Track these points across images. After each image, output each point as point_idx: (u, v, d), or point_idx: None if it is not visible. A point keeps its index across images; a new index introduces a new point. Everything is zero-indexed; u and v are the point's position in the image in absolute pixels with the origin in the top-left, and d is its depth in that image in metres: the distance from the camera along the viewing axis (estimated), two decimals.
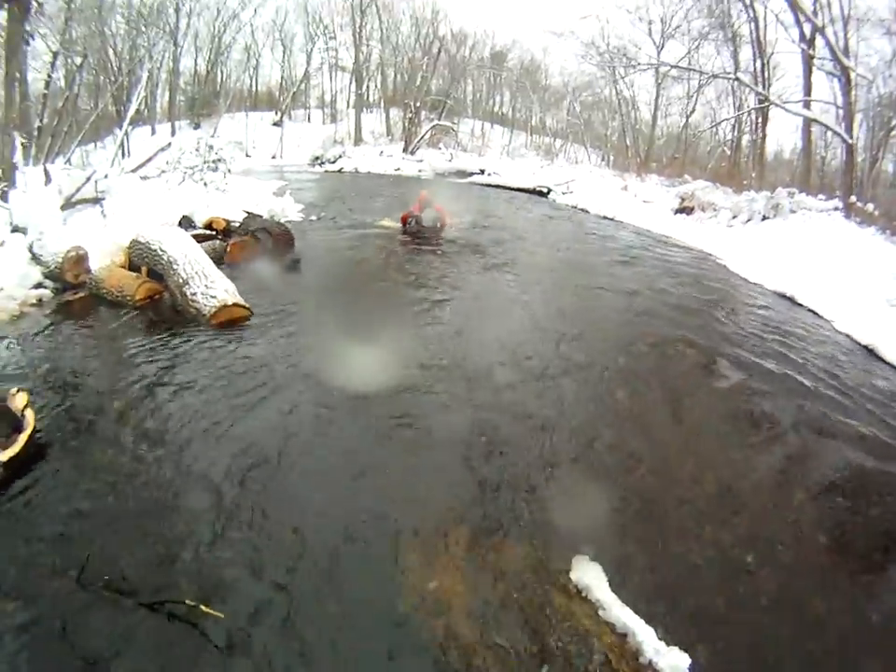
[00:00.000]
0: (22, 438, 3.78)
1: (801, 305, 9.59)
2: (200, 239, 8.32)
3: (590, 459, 4.42)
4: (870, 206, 15.45)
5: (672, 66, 28.05)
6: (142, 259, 7.28)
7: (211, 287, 6.45)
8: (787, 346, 7.23)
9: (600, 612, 2.99)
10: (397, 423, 4.56)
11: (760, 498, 4.19)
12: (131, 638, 2.64)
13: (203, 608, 2.74)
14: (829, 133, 21.42)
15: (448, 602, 2.96)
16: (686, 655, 2.77)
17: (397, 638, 2.76)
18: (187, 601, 2.76)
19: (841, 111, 18.43)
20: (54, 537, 3.18)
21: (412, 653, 2.71)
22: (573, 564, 3.26)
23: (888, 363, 7.30)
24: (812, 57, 19.38)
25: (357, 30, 35.95)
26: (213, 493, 3.57)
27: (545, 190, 22.52)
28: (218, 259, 8.12)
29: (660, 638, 2.84)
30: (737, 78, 22.97)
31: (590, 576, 3.17)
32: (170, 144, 15.49)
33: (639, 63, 28.16)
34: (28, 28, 11.15)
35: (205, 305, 6.27)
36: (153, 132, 31.70)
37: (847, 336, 8.20)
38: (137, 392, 4.70)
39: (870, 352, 7.64)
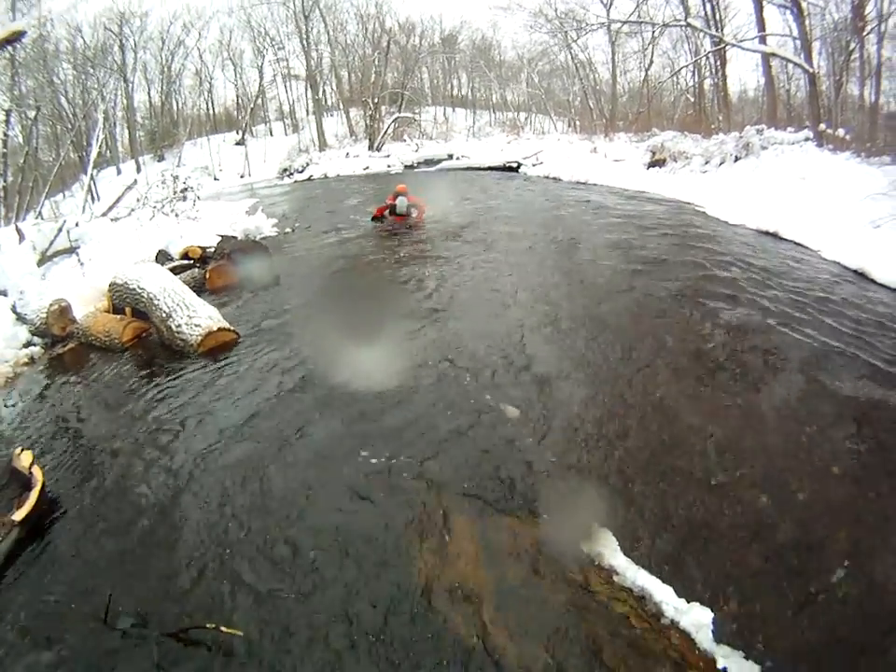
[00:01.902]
0: (34, 495, 3.81)
1: (786, 240, 9.59)
2: (178, 270, 8.34)
3: (589, 422, 4.41)
4: (841, 132, 15.42)
5: (623, 22, 27.83)
6: (123, 300, 7.27)
7: (194, 317, 6.44)
8: (778, 282, 7.22)
9: (615, 578, 3.00)
10: (395, 426, 4.55)
11: (767, 439, 4.17)
12: (163, 668, 2.70)
13: (223, 629, 2.80)
14: (790, 66, 21.37)
15: (462, 583, 2.98)
16: (708, 610, 2.76)
17: (416, 623, 2.80)
18: (207, 625, 2.82)
19: (798, 42, 18.40)
20: (76, 584, 3.23)
21: (431, 636, 2.74)
22: (583, 532, 3.27)
23: (880, 284, 7.30)
24: None
25: (304, 36, 35.73)
26: (219, 523, 3.59)
27: (515, 165, 22.52)
28: (199, 288, 8.13)
29: (679, 596, 2.85)
30: (689, 24, 22.89)
31: (601, 543, 3.18)
32: (136, 181, 15.49)
33: (590, 24, 28.04)
34: None
35: (191, 335, 6.27)
36: (118, 171, 31.66)
37: (837, 263, 8.21)
38: (137, 435, 4.70)
39: (861, 276, 7.64)
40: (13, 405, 5.68)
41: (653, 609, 2.83)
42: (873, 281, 7.42)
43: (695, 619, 2.73)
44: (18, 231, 10.37)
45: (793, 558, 3.15)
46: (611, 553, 3.10)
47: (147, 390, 5.52)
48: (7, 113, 20.56)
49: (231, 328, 6.50)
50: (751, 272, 7.64)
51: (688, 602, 2.82)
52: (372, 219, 12.27)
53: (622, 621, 2.78)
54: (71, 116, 29.46)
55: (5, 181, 18.86)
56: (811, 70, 17.41)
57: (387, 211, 11.97)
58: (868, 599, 2.93)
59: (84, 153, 26.96)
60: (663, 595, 2.85)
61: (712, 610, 2.77)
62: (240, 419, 4.76)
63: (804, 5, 17.45)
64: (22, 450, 4.35)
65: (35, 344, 7.14)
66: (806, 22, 17.70)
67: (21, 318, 7.38)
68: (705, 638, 2.68)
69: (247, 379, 5.47)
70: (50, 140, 28.81)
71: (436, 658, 2.65)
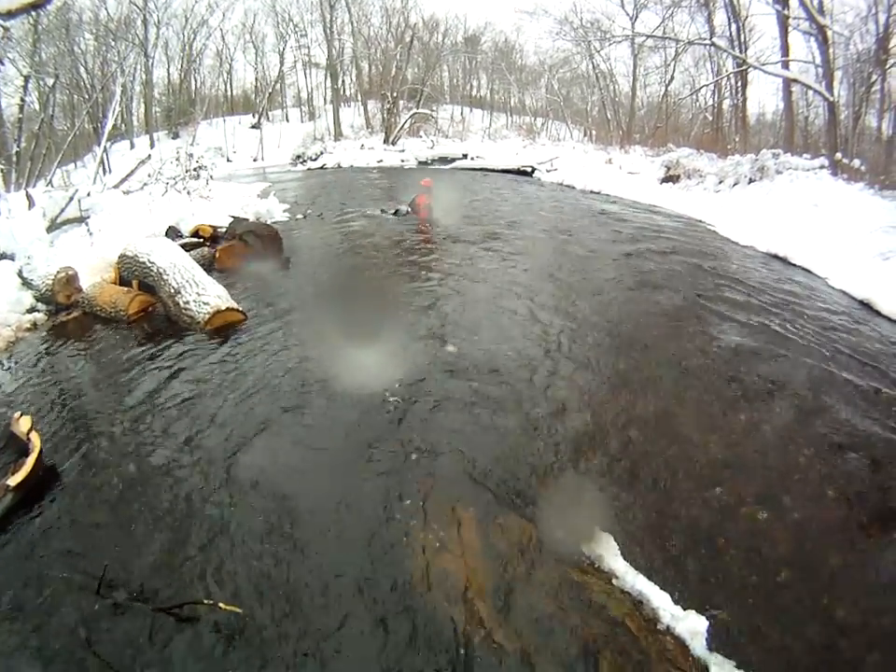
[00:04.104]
0: (30, 461, 3.79)
1: (794, 265, 9.60)
2: (188, 247, 8.32)
3: (593, 431, 4.43)
4: (856, 162, 15.39)
5: (647, 36, 27.94)
6: (132, 273, 7.26)
7: (203, 294, 6.44)
8: (784, 306, 7.24)
9: (614, 581, 3.01)
10: (397, 414, 4.56)
11: (767, 458, 4.21)
12: (156, 644, 2.68)
13: (221, 605, 2.78)
14: (810, 93, 21.33)
15: (462, 582, 2.98)
16: (704, 618, 2.78)
17: (414, 621, 2.78)
18: (205, 601, 2.81)
19: (820, 69, 18.41)
20: (69, 553, 3.21)
21: (429, 635, 2.72)
22: (584, 535, 3.28)
23: (884, 316, 7.31)
24: (787, 17, 19.32)
25: (328, 25, 35.68)
26: (217, 498, 3.60)
27: (529, 170, 22.51)
28: (208, 266, 8.12)
29: (676, 603, 2.86)
30: (713, 44, 22.88)
31: (601, 546, 3.19)
32: (150, 156, 15.47)
33: (614, 36, 28.06)
34: None
35: (199, 312, 6.27)
36: (132, 145, 31.53)
37: (843, 292, 8.23)
38: (138, 406, 4.71)
39: (866, 306, 7.66)
40: (13, 369, 5.66)
41: (650, 613, 2.84)
42: (878, 313, 7.45)
43: (691, 626, 2.75)
44: (28, 196, 10.37)
45: (788, 574, 3.18)
46: (612, 557, 3.12)
47: (150, 363, 5.52)
48: (26, 79, 20.54)
49: (239, 308, 6.50)
50: (759, 294, 7.66)
51: (684, 609, 2.83)
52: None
53: (619, 624, 2.80)
54: (89, 86, 29.35)
55: (18, 146, 18.81)
56: (831, 98, 17.43)
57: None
58: (858, 617, 2.96)
59: (99, 125, 26.83)
60: (660, 600, 2.87)
61: (707, 619, 2.78)
62: (242, 397, 4.78)
63: (829, 33, 17.46)
64: (21, 415, 4.31)
65: (38, 310, 7.10)
66: (830, 51, 17.71)
67: (26, 283, 7.35)
68: (699, 646, 2.70)
69: (252, 359, 5.49)
70: (66, 109, 28.74)
71: (434, 653, 2.65)
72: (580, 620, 2.82)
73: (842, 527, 3.62)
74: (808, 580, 3.17)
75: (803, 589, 3.11)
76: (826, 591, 3.11)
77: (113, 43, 30.91)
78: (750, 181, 15.60)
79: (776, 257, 10.06)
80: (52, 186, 15.58)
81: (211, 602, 2.79)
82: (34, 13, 16.43)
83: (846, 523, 3.66)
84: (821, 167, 15.41)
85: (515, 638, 2.71)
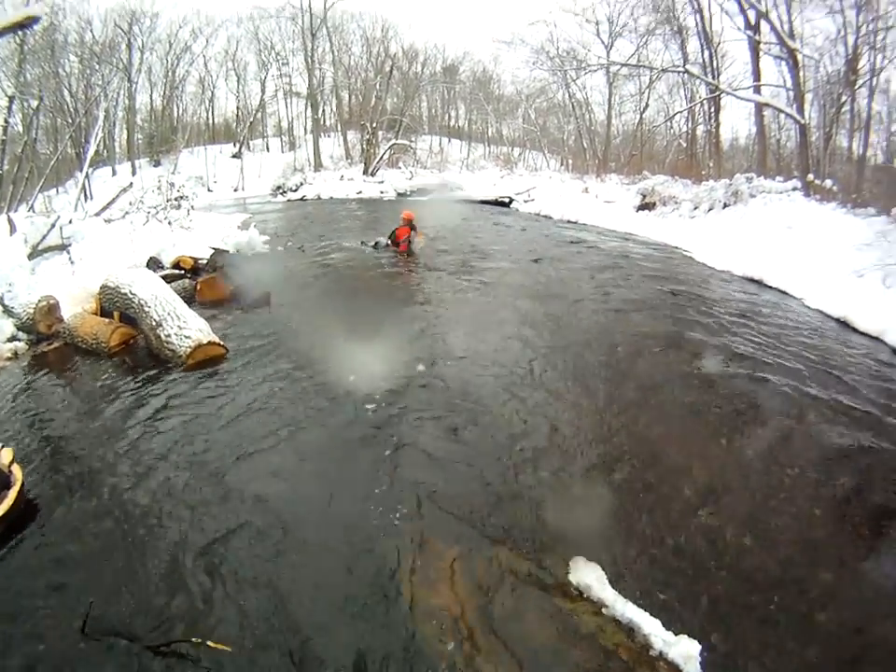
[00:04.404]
0: (12, 494, 3.73)
1: (770, 287, 9.80)
2: (169, 279, 8.25)
3: (576, 458, 4.45)
4: (828, 183, 15.78)
5: (622, 65, 28.61)
6: (113, 304, 7.20)
7: (184, 328, 6.37)
8: (761, 328, 7.37)
9: (604, 611, 3.00)
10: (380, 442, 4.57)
11: (751, 481, 4.24)
12: None
13: (210, 643, 2.74)
14: (781, 116, 21.98)
15: (448, 613, 2.97)
16: (696, 642, 2.78)
17: (401, 652, 2.78)
18: (193, 639, 2.76)
19: (791, 93, 18.93)
20: (53, 588, 3.15)
21: (416, 667, 2.72)
22: (571, 565, 3.28)
23: (861, 332, 7.48)
24: (759, 42, 19.84)
25: (309, 54, 36.12)
26: (202, 533, 3.56)
27: (507, 200, 22.76)
28: (189, 299, 8.03)
29: (667, 629, 2.86)
30: (687, 71, 23.41)
31: (589, 576, 3.18)
32: (131, 184, 15.47)
33: (590, 65, 28.53)
34: None
35: (180, 346, 6.20)
36: (114, 172, 31.57)
37: (819, 311, 8.41)
38: (120, 440, 4.65)
39: (843, 324, 7.84)
40: None
41: (642, 640, 2.83)
42: (855, 329, 7.63)
43: (683, 651, 2.75)
44: (10, 221, 10.32)
45: (777, 595, 3.20)
46: (600, 586, 3.11)
47: (131, 397, 5.45)
48: (11, 100, 20.50)
49: (221, 342, 6.45)
50: (736, 318, 7.78)
51: (676, 634, 2.83)
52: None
53: (610, 653, 2.79)
54: (72, 110, 29.42)
55: (1, 169, 18.72)
56: (802, 121, 17.91)
57: (389, 239, 12.03)
58: (851, 634, 2.99)
59: (81, 150, 26.81)
60: (651, 627, 2.86)
61: (700, 642, 2.79)
62: (223, 432, 4.73)
63: (799, 57, 17.99)
64: (3, 447, 4.24)
65: (19, 339, 7.03)
66: (801, 74, 18.24)
67: (7, 311, 7.26)
68: (693, 670, 2.70)
69: (233, 395, 5.41)
70: (49, 133, 28.72)
71: None
72: (571, 649, 2.81)
73: (829, 546, 3.65)
74: (799, 599, 3.19)
75: (793, 609, 3.13)
76: (817, 610, 3.13)
77: (97, 66, 31.11)
78: (725, 206, 15.92)
79: (752, 280, 10.25)
80: (34, 211, 15.53)
81: (200, 640, 2.74)
82: (20, 33, 16.44)
83: (832, 541, 3.70)
84: (794, 189, 15.83)
85: (504, 670, 2.70)
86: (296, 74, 40.25)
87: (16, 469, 3.99)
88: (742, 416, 5.18)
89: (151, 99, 37.64)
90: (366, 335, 6.68)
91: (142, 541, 3.50)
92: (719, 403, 5.41)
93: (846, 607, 3.15)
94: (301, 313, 7.99)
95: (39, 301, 7.07)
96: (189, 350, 6.16)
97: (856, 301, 8.23)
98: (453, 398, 5.34)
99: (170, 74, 37.57)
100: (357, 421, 4.89)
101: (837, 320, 8.00)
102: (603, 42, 31.32)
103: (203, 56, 38.71)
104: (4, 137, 19.91)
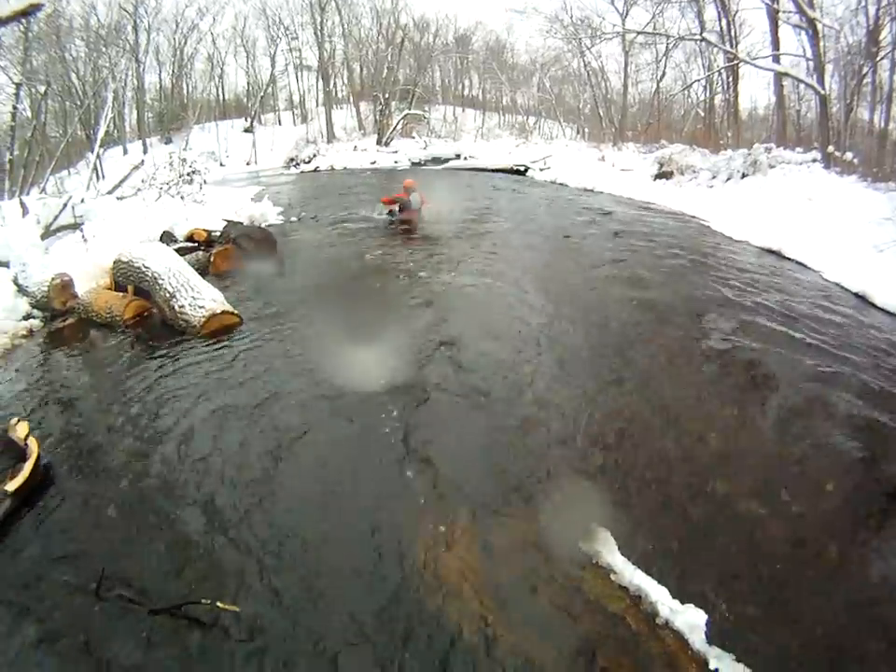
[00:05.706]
0: (28, 466, 3.79)
1: (788, 258, 9.59)
2: (182, 252, 8.32)
3: (590, 428, 4.42)
4: (849, 155, 15.36)
5: (638, 33, 27.97)
6: (127, 278, 7.25)
7: (198, 298, 6.44)
8: (779, 300, 7.24)
9: (612, 577, 3.00)
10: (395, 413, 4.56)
11: (764, 452, 4.20)
12: (155, 644, 2.69)
13: (219, 604, 2.79)
14: (801, 86, 21.36)
15: (460, 580, 2.98)
16: (702, 612, 2.77)
17: (413, 619, 2.79)
18: (203, 600, 2.81)
19: (811, 63, 18.39)
20: (68, 556, 3.22)
21: (427, 633, 2.73)
22: (581, 532, 3.28)
23: (880, 308, 7.31)
24: (777, 11, 19.30)
25: (319, 27, 35.78)
26: (215, 500, 3.60)
27: (523, 168, 22.57)
28: (203, 270, 8.12)
29: (674, 597, 2.85)
30: (704, 39, 22.87)
31: (599, 542, 3.19)
32: (143, 161, 15.47)
33: (605, 33, 27.92)
34: None
35: (194, 316, 6.27)
36: (125, 151, 31.58)
37: (838, 285, 8.23)
38: (135, 412, 4.70)
39: (861, 299, 7.66)
40: (9, 376, 5.66)
41: (649, 608, 2.83)
42: (873, 305, 7.44)
43: (689, 620, 2.74)
44: (22, 204, 10.36)
45: (786, 566, 3.17)
46: (609, 552, 3.11)
47: (146, 368, 5.52)
48: (18, 87, 20.55)
49: (235, 311, 6.50)
50: (754, 289, 7.66)
51: (682, 603, 2.82)
52: (388, 213, 12.19)
53: (617, 619, 2.79)
54: (81, 93, 29.42)
55: (11, 154, 18.81)
56: (823, 92, 17.45)
57: (397, 207, 11.90)
58: (858, 608, 2.95)
59: (91, 131, 26.90)
60: (658, 595, 2.85)
61: (706, 612, 2.77)
62: (238, 400, 4.77)
63: (819, 27, 17.44)
64: (18, 420, 4.33)
65: (34, 317, 7.13)
66: (821, 44, 17.68)
67: (22, 290, 7.36)
68: (698, 639, 2.68)
69: (248, 362, 5.47)
70: (59, 116, 28.75)
71: (431, 650, 2.65)
72: (578, 615, 2.82)
73: (840, 519, 3.60)
74: (807, 572, 3.16)
75: (802, 581, 3.10)
76: (825, 583, 3.10)
77: (104, 49, 30.98)
78: (743, 176, 15.61)
79: (770, 251, 10.05)
80: (46, 193, 15.60)
81: (209, 602, 2.79)
82: (24, 20, 16.40)
83: (844, 515, 3.64)
84: (814, 160, 15.47)
85: (514, 635, 2.71)
86: (306, 48, 39.87)
87: (32, 442, 4.05)
88: (758, 387, 5.12)
89: (160, 78, 37.56)
90: (378, 301, 6.70)
91: (156, 510, 3.55)
92: (734, 373, 5.35)
93: (853, 582, 3.11)
94: (315, 281, 8.03)
95: (53, 278, 7.13)
96: (203, 319, 6.21)
97: (875, 276, 8.03)
98: (472, 365, 5.33)
99: (178, 53, 37.42)
100: (370, 385, 4.90)
101: (856, 294, 7.81)
102: (618, 10, 30.49)
103: (211, 33, 38.45)
104: (13, 123, 19.97)
